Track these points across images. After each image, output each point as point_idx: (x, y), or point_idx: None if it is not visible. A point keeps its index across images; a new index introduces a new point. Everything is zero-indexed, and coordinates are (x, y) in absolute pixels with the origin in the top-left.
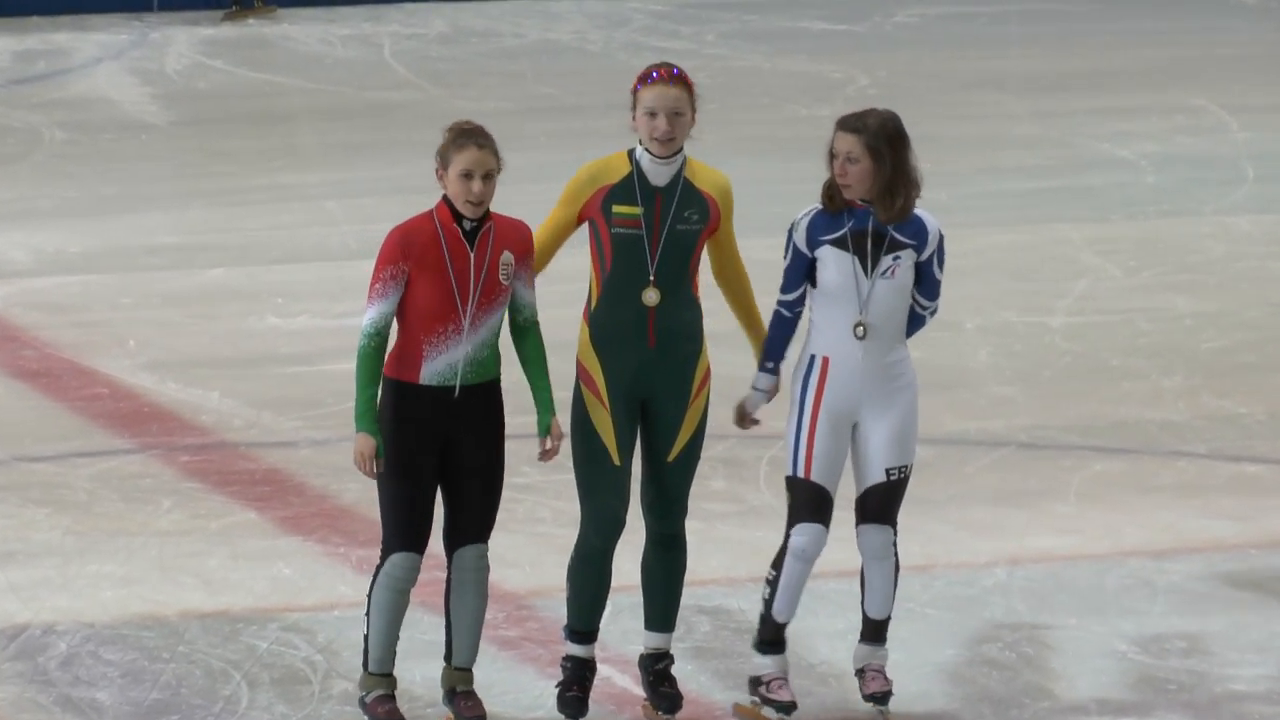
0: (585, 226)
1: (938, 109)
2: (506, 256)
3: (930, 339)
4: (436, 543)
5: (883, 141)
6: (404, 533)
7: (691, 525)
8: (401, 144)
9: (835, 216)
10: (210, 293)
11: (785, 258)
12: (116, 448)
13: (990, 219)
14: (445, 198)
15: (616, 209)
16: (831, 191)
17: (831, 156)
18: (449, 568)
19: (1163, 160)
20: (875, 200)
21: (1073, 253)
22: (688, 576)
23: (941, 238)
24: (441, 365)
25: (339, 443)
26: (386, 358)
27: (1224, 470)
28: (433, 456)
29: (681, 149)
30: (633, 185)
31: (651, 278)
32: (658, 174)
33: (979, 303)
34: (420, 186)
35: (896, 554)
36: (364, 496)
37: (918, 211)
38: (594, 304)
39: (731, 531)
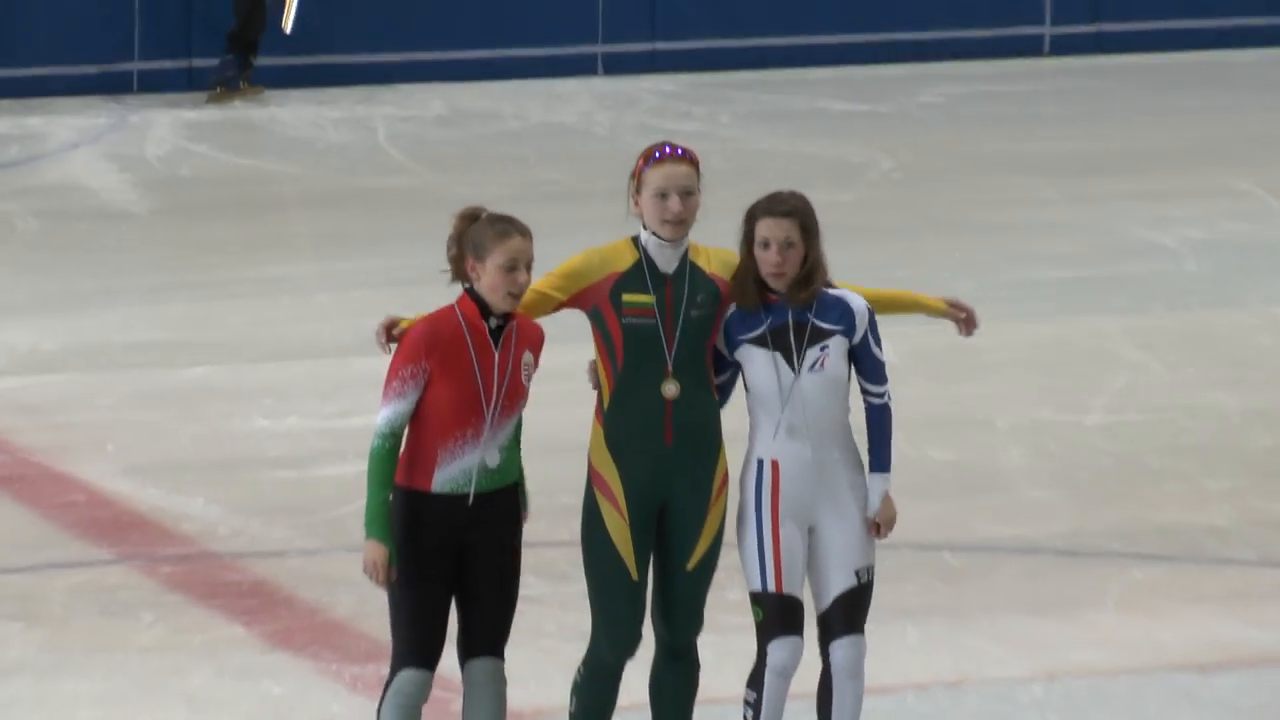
0: (584, 317)
1: (965, 193)
2: (527, 357)
3: (959, 439)
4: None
5: (812, 221)
6: (415, 648)
7: (706, 639)
8: (397, 233)
9: (751, 313)
10: (193, 392)
11: None
12: (94, 558)
13: (1021, 310)
14: (470, 291)
15: (628, 298)
16: (744, 286)
17: (759, 246)
18: (463, 682)
19: (1205, 247)
20: (789, 287)
21: (1110, 346)
22: (700, 693)
23: (871, 314)
24: (455, 471)
25: (330, 552)
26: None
27: (1273, 578)
28: (446, 566)
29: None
30: (642, 273)
31: (669, 369)
32: (666, 260)
33: (1010, 400)
34: (415, 278)
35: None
36: (358, 610)
37: (835, 292)
38: (607, 403)
39: (748, 645)
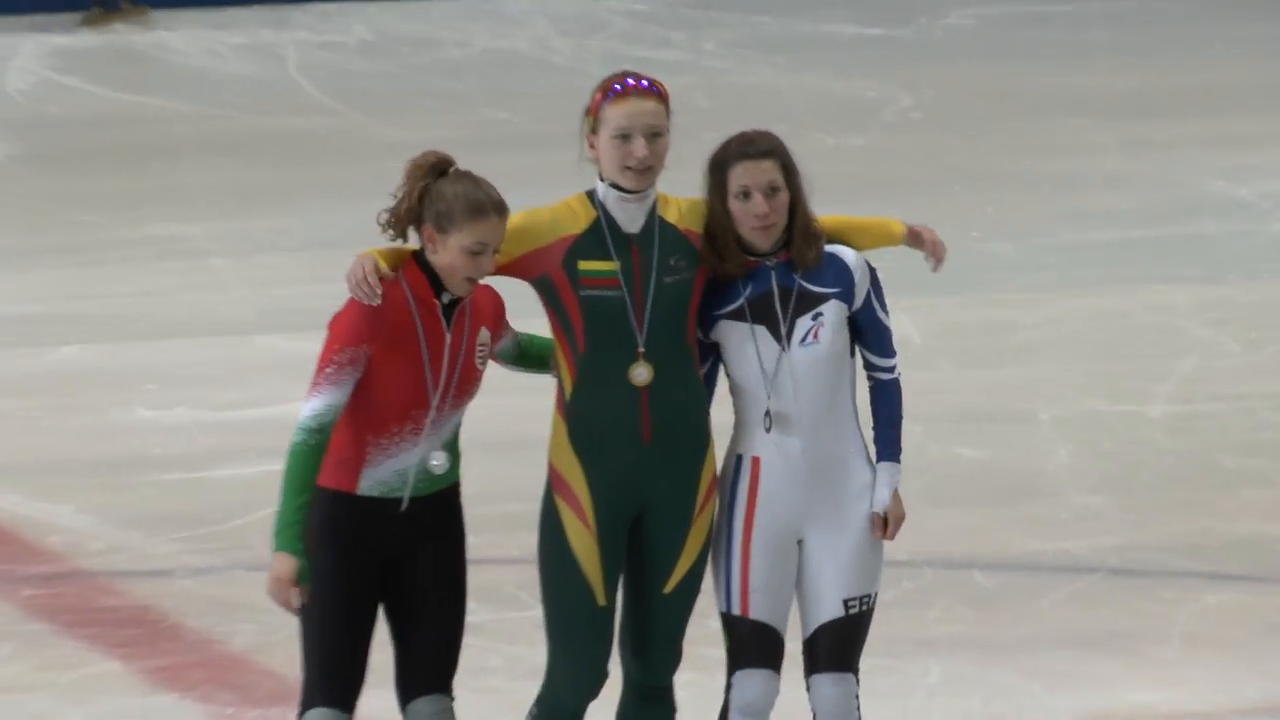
0: (531, 287)
1: (1001, 139)
2: (483, 335)
3: (993, 434)
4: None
5: (793, 161)
6: (328, 683)
7: (683, 677)
8: (312, 186)
9: (726, 284)
10: (63, 378)
11: None
12: None
13: (1070, 279)
14: (419, 259)
15: (585, 266)
16: (723, 250)
17: (735, 197)
18: None
19: None
20: (796, 242)
21: (1176, 322)
22: None
23: (872, 271)
24: (387, 472)
25: (228, 571)
26: None
27: None
28: (372, 585)
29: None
30: (602, 234)
31: (640, 349)
32: (629, 217)
33: (1057, 388)
34: (336, 240)
35: (859, 712)
36: (261, 641)
37: (830, 248)
38: (569, 392)
39: None
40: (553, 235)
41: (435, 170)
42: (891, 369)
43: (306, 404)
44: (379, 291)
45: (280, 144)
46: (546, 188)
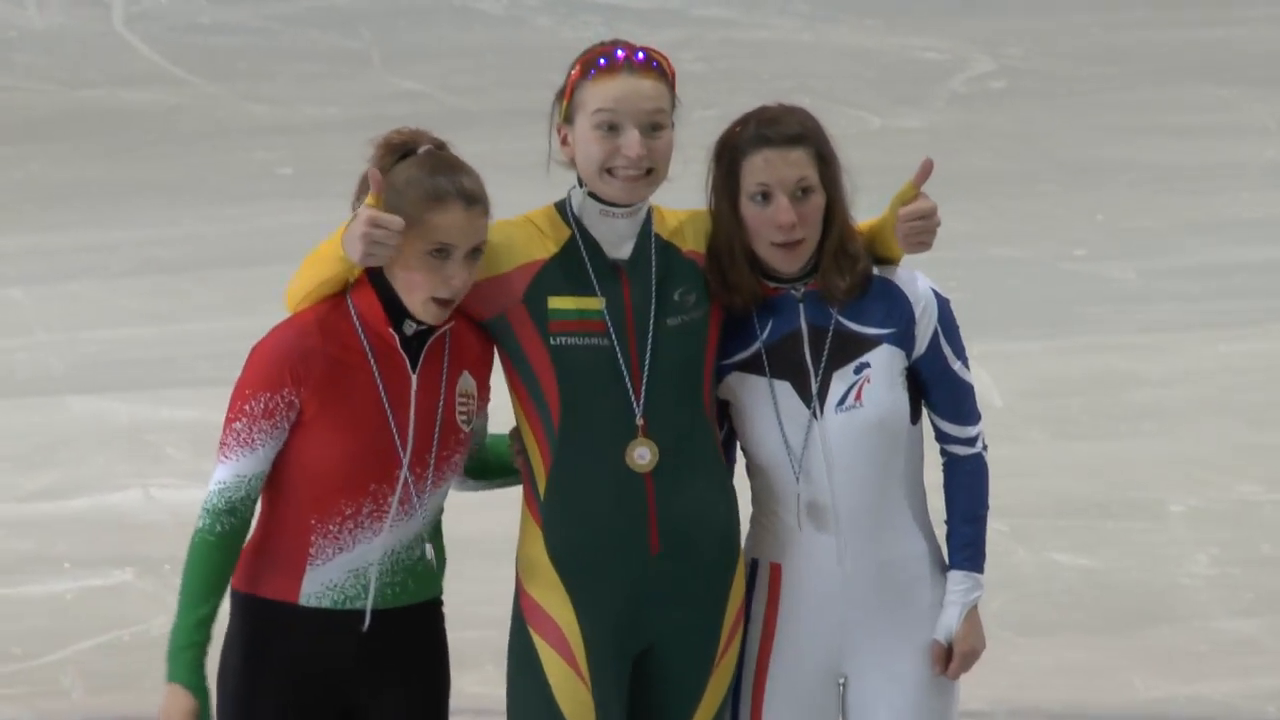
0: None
1: (1116, 117)
2: (466, 383)
3: (1105, 532)
4: None
5: (831, 150)
6: None
7: None
8: (144, 186)
9: (736, 321)
10: None
11: None
12: None
13: (1214, 315)
14: (374, 278)
15: (557, 303)
16: (731, 273)
17: (750, 199)
18: None
19: None
20: (826, 263)
21: None
22: None
23: (942, 304)
24: (340, 574)
25: None
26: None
27: None
28: None
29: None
30: (578, 260)
31: (639, 420)
32: (617, 236)
33: (1194, 468)
34: (180, 260)
35: None
36: None
37: (879, 270)
38: (542, 486)
39: None
40: (509, 261)
41: (397, 149)
42: (971, 441)
43: (213, 478)
44: (400, 226)
45: (102, 127)
46: (494, 190)
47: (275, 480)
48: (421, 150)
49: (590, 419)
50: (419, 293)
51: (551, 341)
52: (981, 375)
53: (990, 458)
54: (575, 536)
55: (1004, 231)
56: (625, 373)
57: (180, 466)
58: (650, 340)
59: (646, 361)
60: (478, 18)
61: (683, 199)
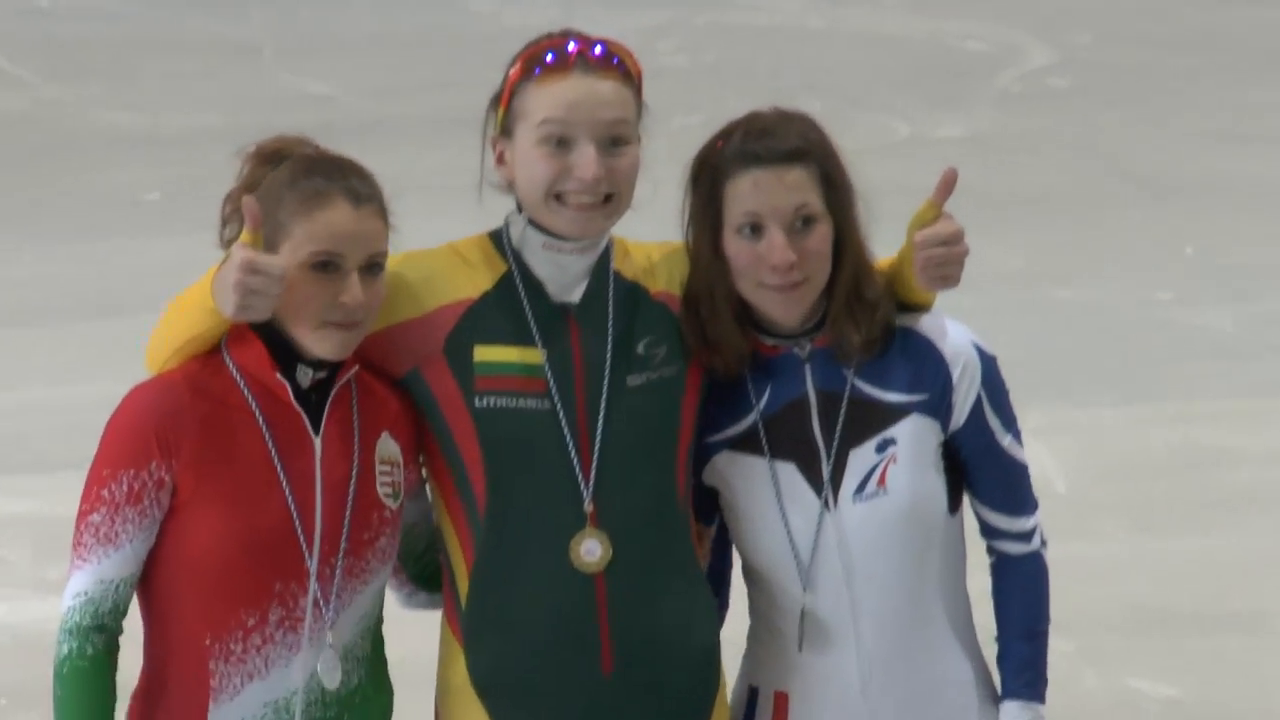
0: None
1: (1206, 121)
2: (388, 447)
3: (1201, 654)
4: None
5: (837, 165)
6: None
7: None
8: None
9: (725, 387)
10: None
11: None
12: None
13: None
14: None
15: (485, 355)
16: (713, 326)
17: (735, 232)
18: None
19: None
20: (837, 312)
21: None
22: None
23: (986, 363)
24: (253, 706)
25: None
26: (117, 684)
27: None
28: None
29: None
30: (515, 302)
31: (588, 505)
32: (565, 276)
33: None
34: (36, 307)
35: None
36: None
37: (905, 320)
38: (464, 591)
39: None
40: (427, 300)
41: (268, 158)
42: (1026, 535)
43: (68, 589)
44: (281, 272)
45: None
46: (406, 223)
47: (153, 589)
48: (301, 153)
49: (525, 503)
50: (306, 320)
51: (476, 403)
52: (1040, 452)
53: (1051, 557)
54: (505, 655)
55: (1067, 268)
56: (571, 444)
57: (19, 573)
58: (604, 403)
59: (599, 430)
60: (431, 7)
61: (653, 232)
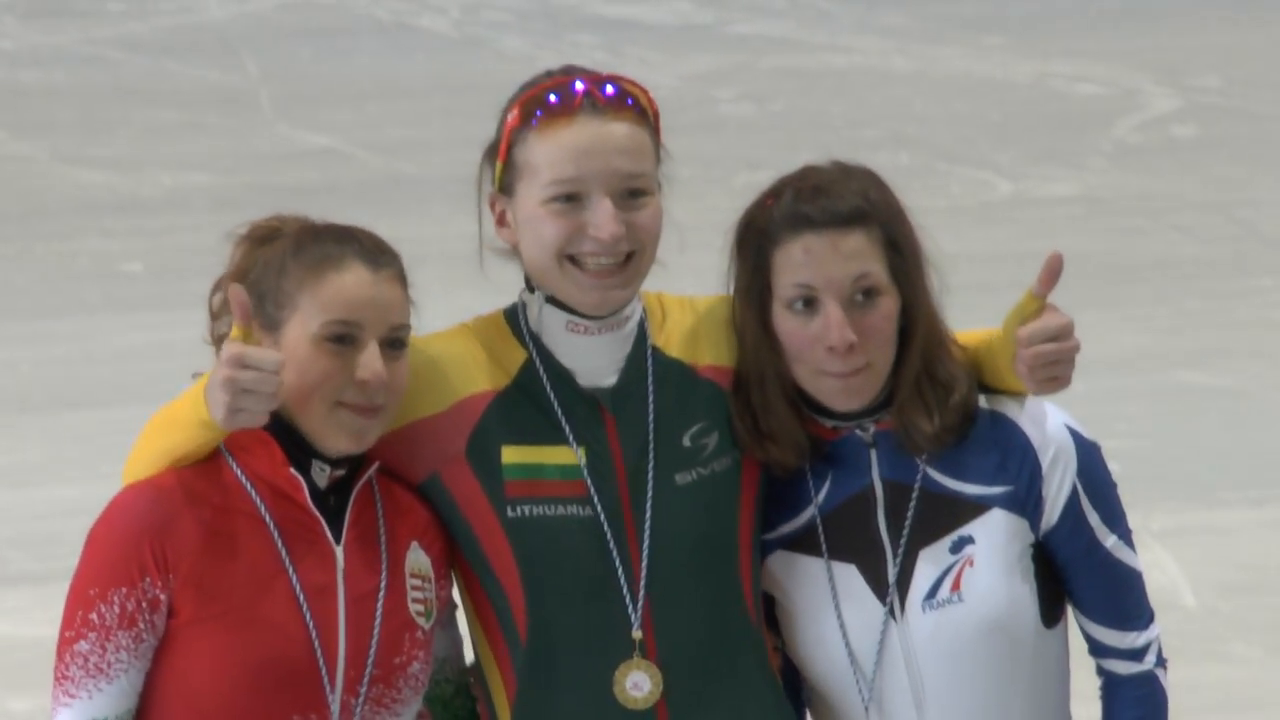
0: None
1: None
2: (418, 559)
3: None
4: None
5: (905, 228)
6: None
7: None
8: None
9: (786, 482)
10: None
11: None
12: None
13: None
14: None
15: (514, 457)
16: (764, 411)
17: (785, 306)
18: None
19: None
20: (904, 397)
21: None
22: None
23: (1085, 451)
24: None
25: None
26: None
27: None
28: None
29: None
30: (540, 393)
31: (637, 634)
32: (595, 357)
33: None
34: None
35: None
36: None
37: (989, 402)
38: None
39: None
40: (449, 392)
41: (261, 238)
42: (1138, 653)
43: None
44: (276, 366)
45: None
46: (426, 297)
47: None
48: (300, 229)
49: (567, 627)
50: (319, 404)
51: (509, 512)
52: (1165, 559)
53: (1176, 680)
54: None
55: (1197, 348)
56: (617, 557)
57: None
58: (650, 509)
59: (645, 541)
60: (417, 39)
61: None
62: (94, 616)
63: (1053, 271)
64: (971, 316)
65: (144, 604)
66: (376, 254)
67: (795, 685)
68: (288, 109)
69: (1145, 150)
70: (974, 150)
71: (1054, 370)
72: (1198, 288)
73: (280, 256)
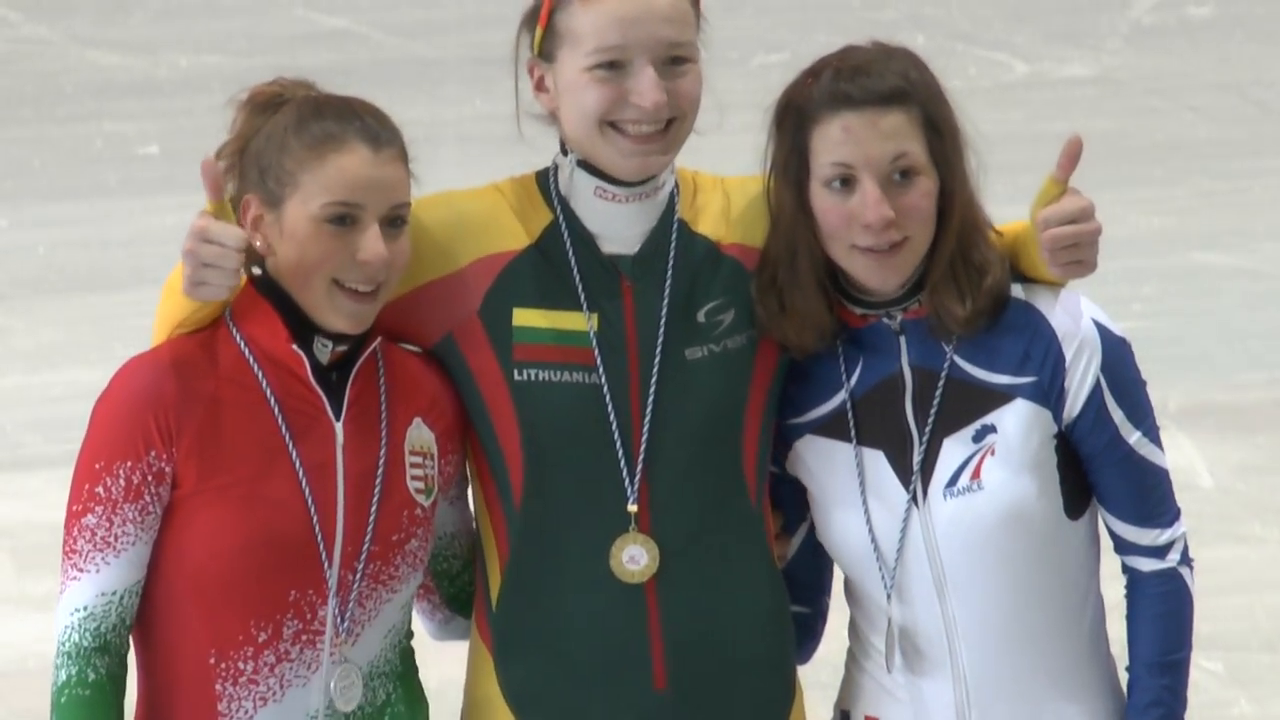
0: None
1: None
2: (421, 435)
3: None
4: None
5: (944, 109)
6: None
7: None
8: None
9: (818, 361)
10: None
11: None
12: None
13: None
14: (262, 283)
15: (525, 319)
16: (793, 291)
17: (823, 185)
18: None
19: None
20: (937, 279)
21: None
22: None
23: (1111, 344)
24: None
25: None
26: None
27: None
28: None
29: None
30: (561, 256)
31: (632, 505)
32: (621, 224)
33: None
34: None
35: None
36: None
37: (1021, 293)
38: (494, 593)
39: None
40: (463, 251)
41: (266, 104)
42: (1160, 550)
43: (61, 601)
44: (239, 243)
45: None
46: (442, 177)
47: (146, 599)
48: (302, 97)
49: (564, 497)
50: (318, 283)
51: (515, 375)
52: (1181, 441)
53: (1200, 568)
54: (540, 669)
55: (1213, 228)
56: (617, 429)
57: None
58: (655, 382)
59: (647, 414)
60: None
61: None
62: (100, 490)
63: (1072, 155)
64: (989, 196)
65: (149, 476)
66: (378, 132)
67: (811, 576)
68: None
69: (1161, 31)
70: (990, 31)
71: (1076, 254)
72: (1214, 168)
73: (282, 132)
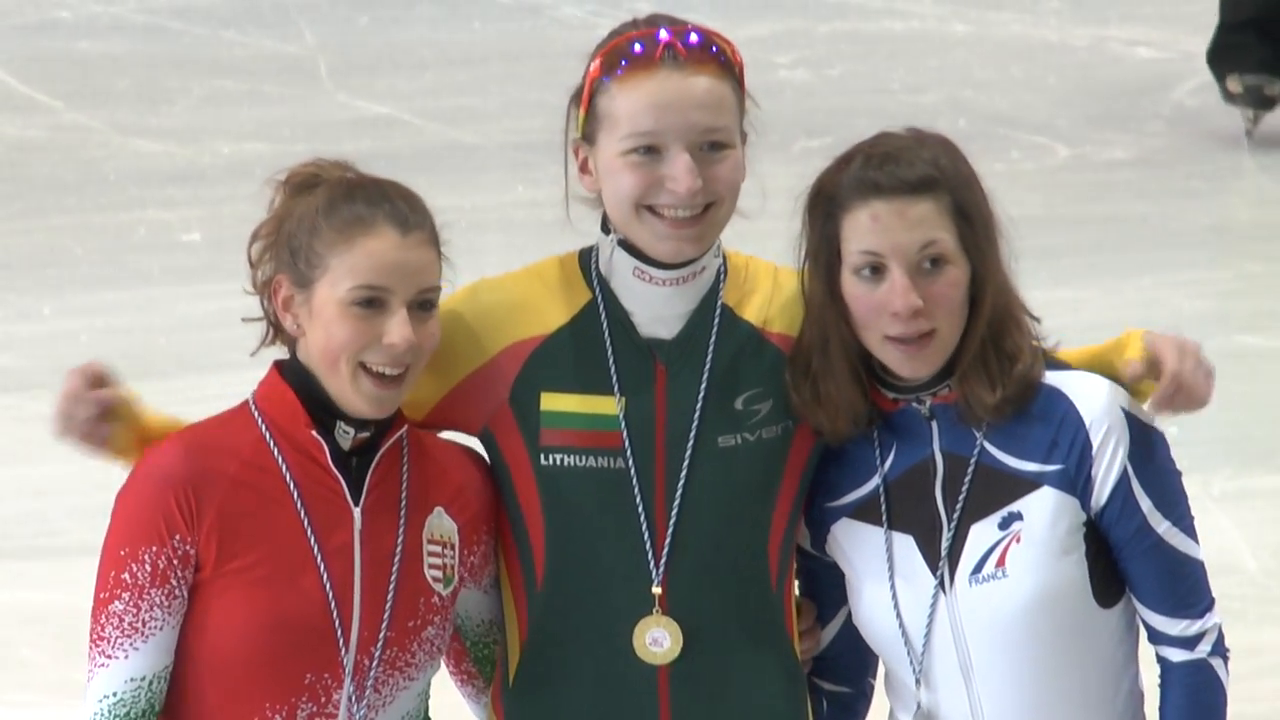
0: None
1: None
2: (441, 524)
3: None
4: None
5: (978, 196)
6: None
7: None
8: None
9: (853, 445)
10: None
11: None
12: None
13: None
14: (288, 369)
15: (552, 404)
16: (825, 379)
17: (853, 273)
18: None
19: None
20: (967, 366)
21: None
22: None
23: (1137, 430)
24: None
25: None
26: None
27: None
28: None
29: (718, 238)
30: (595, 339)
31: (656, 589)
32: (660, 307)
33: None
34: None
35: None
36: None
37: (1050, 378)
38: (512, 671)
39: None
40: (493, 340)
41: (302, 184)
42: (1191, 641)
43: (90, 689)
44: (95, 411)
45: None
46: (485, 264)
47: (170, 682)
48: (338, 178)
49: (586, 578)
50: (343, 366)
51: (542, 460)
52: (1226, 526)
53: (1236, 646)
54: None
55: (1258, 311)
56: (643, 513)
57: (40, 676)
58: (686, 467)
59: (678, 498)
60: (475, 6)
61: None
62: (126, 576)
63: (1135, 376)
64: (1031, 279)
65: (174, 559)
66: (407, 215)
67: (853, 658)
68: (345, 77)
69: (1203, 113)
70: (1032, 115)
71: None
72: (1259, 250)
73: (313, 214)
